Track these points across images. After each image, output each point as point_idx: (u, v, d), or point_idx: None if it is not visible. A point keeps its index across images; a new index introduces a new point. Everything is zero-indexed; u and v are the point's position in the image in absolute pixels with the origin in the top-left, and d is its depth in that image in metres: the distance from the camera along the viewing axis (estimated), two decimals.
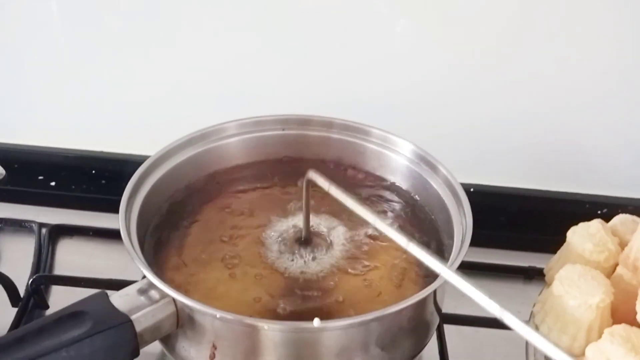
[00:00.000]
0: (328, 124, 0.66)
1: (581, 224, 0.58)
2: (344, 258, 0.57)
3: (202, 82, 0.79)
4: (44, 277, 0.69)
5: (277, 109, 0.66)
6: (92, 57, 0.80)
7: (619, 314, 0.52)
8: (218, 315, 0.47)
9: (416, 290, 0.53)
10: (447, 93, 0.78)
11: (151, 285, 0.49)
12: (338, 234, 0.59)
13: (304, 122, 0.66)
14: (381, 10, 0.74)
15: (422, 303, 0.52)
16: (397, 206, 0.63)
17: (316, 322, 0.46)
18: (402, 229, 0.60)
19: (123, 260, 0.57)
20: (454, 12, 0.74)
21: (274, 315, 0.52)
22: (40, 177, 0.83)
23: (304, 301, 0.53)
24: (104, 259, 0.72)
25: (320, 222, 0.60)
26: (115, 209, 0.54)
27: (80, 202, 0.80)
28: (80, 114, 0.83)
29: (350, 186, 0.63)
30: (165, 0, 0.76)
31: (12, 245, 0.75)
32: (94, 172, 0.83)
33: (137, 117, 0.82)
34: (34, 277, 0.67)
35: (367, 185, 0.65)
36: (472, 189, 0.71)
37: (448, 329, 0.64)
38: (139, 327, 0.48)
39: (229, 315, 0.47)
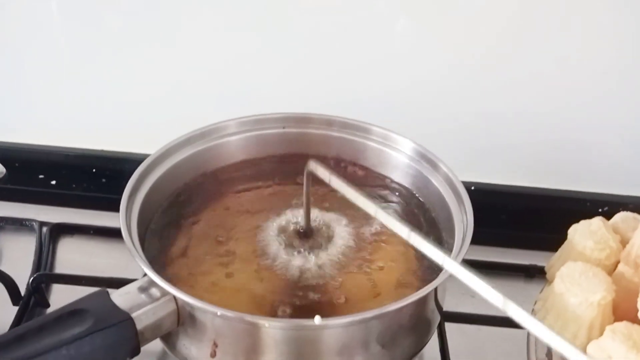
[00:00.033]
0: (328, 122, 0.66)
1: (582, 222, 0.58)
2: (344, 252, 0.57)
3: (203, 82, 0.79)
4: (45, 275, 0.69)
5: (277, 108, 0.66)
6: (93, 56, 0.80)
7: (621, 311, 0.52)
8: (219, 313, 0.47)
9: (418, 284, 0.53)
10: (447, 92, 0.78)
11: (152, 283, 0.49)
12: (339, 227, 0.59)
13: (304, 120, 0.66)
14: (381, 9, 0.74)
15: (423, 301, 0.52)
16: (397, 204, 0.63)
17: (317, 319, 0.46)
18: None
19: (124, 259, 0.57)
20: (454, 11, 0.74)
21: (275, 311, 0.52)
22: (41, 176, 0.83)
23: (304, 296, 0.53)
24: (105, 257, 0.73)
25: (321, 217, 0.60)
26: (115, 208, 0.54)
27: (81, 201, 0.80)
28: (81, 112, 0.83)
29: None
30: (165, 0, 0.76)
31: (13, 243, 0.75)
32: (94, 170, 0.83)
33: (138, 116, 0.82)
34: (35, 275, 0.67)
35: (367, 182, 0.65)
36: (472, 187, 0.71)
37: (449, 327, 0.64)
38: (139, 325, 0.48)
39: (230, 313, 0.47)
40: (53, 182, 0.83)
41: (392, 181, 0.65)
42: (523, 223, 0.79)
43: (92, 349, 0.46)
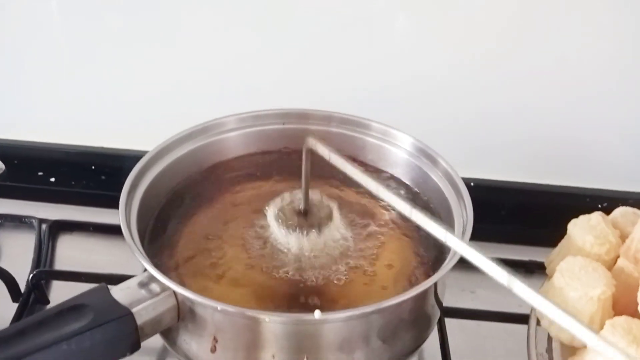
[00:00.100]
0: (328, 118, 0.66)
1: (582, 217, 0.58)
2: (343, 234, 0.57)
3: (202, 80, 0.79)
4: (45, 272, 0.69)
5: (277, 105, 0.66)
6: (92, 53, 0.80)
7: (620, 306, 0.52)
8: (219, 308, 0.47)
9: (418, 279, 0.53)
10: (447, 89, 0.78)
11: (152, 279, 0.49)
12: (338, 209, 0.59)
13: (304, 116, 0.66)
14: (380, 6, 0.74)
15: (422, 295, 0.52)
16: None
17: (317, 314, 0.46)
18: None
19: (123, 256, 0.57)
20: (453, 7, 0.74)
21: (276, 306, 0.52)
22: (40, 173, 0.83)
23: (304, 286, 0.53)
24: (104, 254, 0.73)
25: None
26: (115, 205, 0.54)
27: (81, 198, 0.81)
28: (81, 110, 0.83)
29: (349, 180, 0.62)
30: None
31: (13, 240, 0.75)
32: (94, 167, 0.83)
33: (137, 113, 0.82)
34: (35, 272, 0.67)
35: None
36: (472, 184, 0.70)
37: (449, 323, 0.64)
38: (139, 320, 0.48)
39: (230, 308, 0.47)
40: (52, 179, 0.83)
41: (392, 177, 0.65)
42: (522, 219, 0.79)
43: (92, 344, 0.46)
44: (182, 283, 0.52)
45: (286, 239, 0.56)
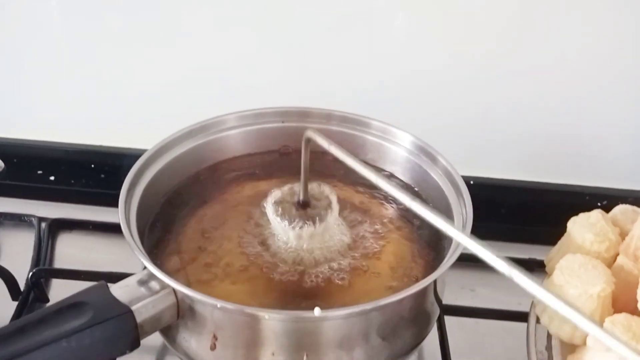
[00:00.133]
0: (327, 116, 0.66)
1: (581, 214, 0.58)
2: (342, 230, 0.57)
3: (202, 79, 0.79)
4: (44, 270, 0.69)
5: (276, 103, 0.66)
6: (92, 53, 0.80)
7: (620, 303, 0.52)
8: (219, 305, 0.47)
9: (418, 270, 0.53)
10: (447, 87, 0.78)
11: (151, 276, 0.49)
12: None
13: (304, 114, 0.66)
14: (380, 5, 0.74)
15: (422, 293, 0.52)
16: None
17: (317, 311, 0.46)
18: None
19: (123, 254, 0.57)
20: (453, 7, 0.74)
21: (276, 304, 0.52)
22: (40, 172, 0.83)
23: (304, 284, 0.53)
24: (104, 252, 0.73)
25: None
26: (114, 203, 0.54)
27: (80, 196, 0.81)
28: (80, 108, 0.83)
29: (349, 177, 0.62)
30: None
31: (12, 239, 0.75)
32: (93, 166, 0.83)
33: (137, 112, 0.82)
34: (34, 270, 0.67)
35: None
36: (472, 182, 0.71)
37: (449, 320, 0.64)
38: (139, 318, 0.48)
39: (229, 305, 0.47)
40: (52, 178, 0.83)
41: (392, 175, 0.65)
42: (522, 217, 0.79)
43: (92, 341, 0.46)
44: (181, 281, 0.51)
45: (285, 231, 0.55)
